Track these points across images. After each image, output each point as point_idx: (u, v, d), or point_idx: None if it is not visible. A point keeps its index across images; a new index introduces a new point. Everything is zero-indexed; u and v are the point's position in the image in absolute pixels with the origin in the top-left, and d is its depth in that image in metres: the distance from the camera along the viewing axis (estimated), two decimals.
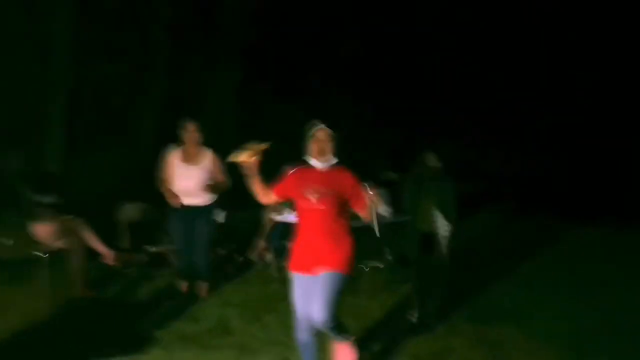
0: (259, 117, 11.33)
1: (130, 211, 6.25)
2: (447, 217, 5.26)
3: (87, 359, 4.05)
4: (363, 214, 3.59)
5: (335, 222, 3.58)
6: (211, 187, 5.43)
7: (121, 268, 5.74)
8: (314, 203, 3.57)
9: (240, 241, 6.90)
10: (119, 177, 8.82)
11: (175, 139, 5.54)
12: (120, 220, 6.08)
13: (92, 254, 5.36)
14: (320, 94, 11.76)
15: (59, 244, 5.16)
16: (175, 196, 5.37)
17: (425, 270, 5.30)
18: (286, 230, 6.01)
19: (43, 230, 5.13)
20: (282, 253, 6.26)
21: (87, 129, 9.82)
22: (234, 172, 4.88)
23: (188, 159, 5.47)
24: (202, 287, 5.56)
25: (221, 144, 5.56)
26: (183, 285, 5.61)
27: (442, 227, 5.20)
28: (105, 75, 10.10)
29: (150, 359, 4.13)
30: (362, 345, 4.03)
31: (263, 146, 3.60)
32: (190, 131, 5.44)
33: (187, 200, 5.43)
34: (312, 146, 3.68)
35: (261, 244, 6.63)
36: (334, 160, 3.70)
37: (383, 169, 8.17)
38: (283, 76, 11.89)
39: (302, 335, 3.69)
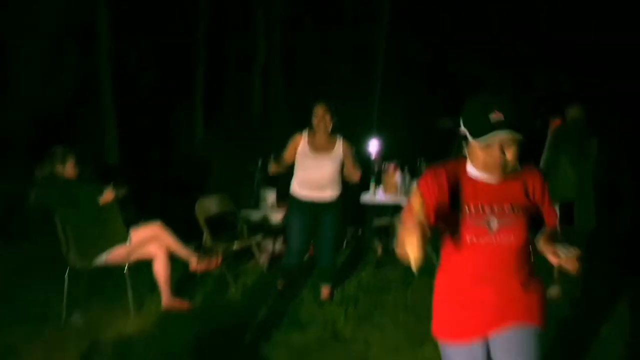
0: None
1: (207, 205, 5.55)
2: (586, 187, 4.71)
3: None
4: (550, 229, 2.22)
5: (522, 259, 2.19)
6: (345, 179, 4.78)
7: (207, 272, 5.20)
8: (492, 234, 2.11)
9: None
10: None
11: None
12: (198, 216, 5.37)
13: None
14: None
15: (140, 253, 4.66)
16: (276, 169, 4.74)
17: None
18: (376, 210, 5.74)
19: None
20: (378, 234, 5.95)
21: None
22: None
23: (317, 147, 4.70)
24: (325, 290, 4.98)
25: None
26: (280, 283, 5.09)
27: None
28: None
29: None
30: None
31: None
32: (320, 116, 4.66)
33: (314, 194, 4.72)
34: (478, 155, 2.09)
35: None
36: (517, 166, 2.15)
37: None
38: None
39: None
